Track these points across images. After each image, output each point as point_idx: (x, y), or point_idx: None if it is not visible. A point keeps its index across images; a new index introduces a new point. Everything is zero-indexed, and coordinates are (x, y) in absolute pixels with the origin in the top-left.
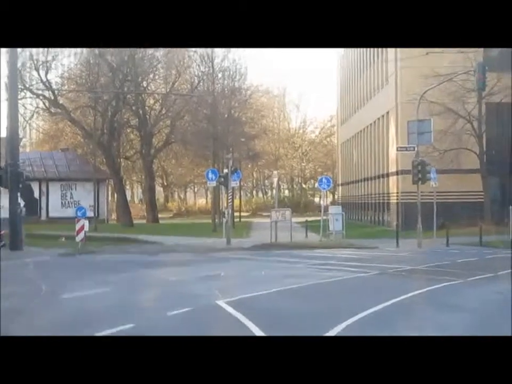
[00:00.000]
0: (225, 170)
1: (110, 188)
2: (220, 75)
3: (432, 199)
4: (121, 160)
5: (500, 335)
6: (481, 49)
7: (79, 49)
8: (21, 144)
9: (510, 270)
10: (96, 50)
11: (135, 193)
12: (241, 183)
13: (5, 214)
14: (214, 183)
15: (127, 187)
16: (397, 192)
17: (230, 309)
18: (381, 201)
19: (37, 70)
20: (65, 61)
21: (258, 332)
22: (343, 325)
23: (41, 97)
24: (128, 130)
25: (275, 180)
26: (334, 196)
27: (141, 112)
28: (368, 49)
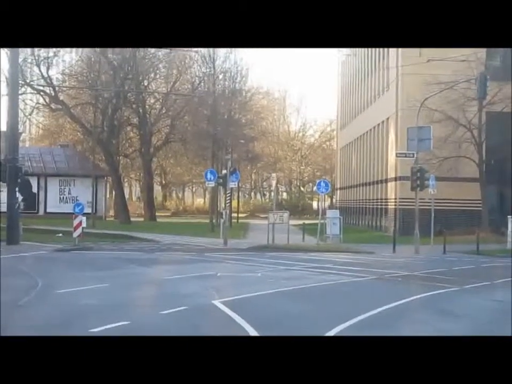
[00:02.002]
0: (224, 171)
1: (108, 185)
2: (221, 76)
3: (430, 206)
4: (120, 157)
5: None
6: (483, 58)
7: None
8: (21, 139)
9: (506, 279)
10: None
11: (133, 191)
12: (240, 185)
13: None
14: (212, 184)
15: (126, 185)
16: (395, 198)
17: (225, 309)
18: (379, 206)
19: (38, 66)
20: (67, 57)
21: (253, 333)
22: (337, 328)
23: (41, 93)
24: (128, 129)
25: (273, 182)
26: (332, 200)
27: (141, 110)
28: (370, 55)
